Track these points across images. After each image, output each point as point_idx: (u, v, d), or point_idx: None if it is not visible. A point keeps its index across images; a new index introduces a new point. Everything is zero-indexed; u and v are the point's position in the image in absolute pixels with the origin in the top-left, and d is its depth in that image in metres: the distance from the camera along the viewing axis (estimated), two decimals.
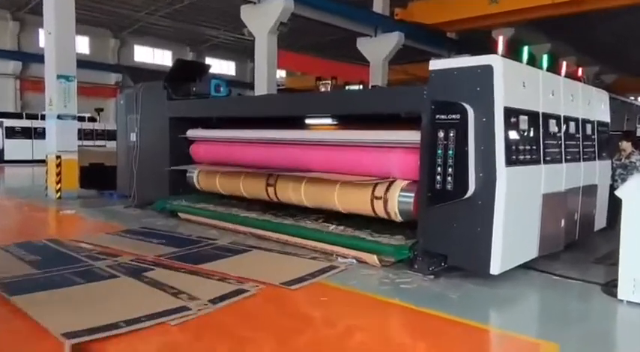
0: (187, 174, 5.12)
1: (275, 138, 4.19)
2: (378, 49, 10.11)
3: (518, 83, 2.77)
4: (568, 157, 3.21)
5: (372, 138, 3.43)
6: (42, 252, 3.20)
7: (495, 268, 2.64)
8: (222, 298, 2.40)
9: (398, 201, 3.16)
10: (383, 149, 3.39)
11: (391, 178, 3.29)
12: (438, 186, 2.74)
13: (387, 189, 3.23)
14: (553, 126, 3.02)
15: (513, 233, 2.70)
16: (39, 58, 6.89)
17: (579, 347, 2.01)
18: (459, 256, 2.78)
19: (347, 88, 4.32)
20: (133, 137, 5.42)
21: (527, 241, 2.86)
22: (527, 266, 2.95)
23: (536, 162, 2.87)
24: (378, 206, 3.26)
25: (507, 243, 2.64)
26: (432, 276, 2.84)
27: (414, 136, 3.07)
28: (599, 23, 11.23)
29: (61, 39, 6.06)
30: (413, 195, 3.09)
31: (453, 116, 2.70)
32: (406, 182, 3.20)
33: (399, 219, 3.21)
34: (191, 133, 5.04)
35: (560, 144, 3.12)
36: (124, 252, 3.09)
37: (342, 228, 3.45)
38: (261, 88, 7.54)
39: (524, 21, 10.00)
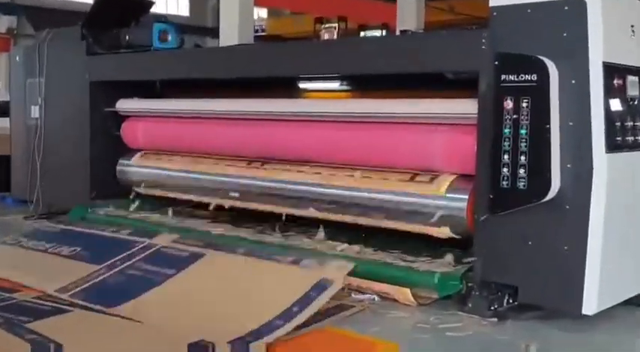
0: (119, 168, 4.92)
1: (250, 112, 4.01)
2: None
3: (626, 27, 2.68)
4: None
5: (402, 111, 3.29)
6: None
7: (590, 306, 2.56)
8: None
9: (443, 206, 3.07)
10: (418, 127, 3.27)
11: (432, 172, 3.19)
12: (505, 183, 2.67)
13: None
14: None
15: (618, 253, 2.64)
16: None
17: None
18: (535, 289, 2.71)
19: (363, 34, 4.12)
20: (35, 112, 5.33)
21: (638, 265, 2.81)
22: (633, 302, 2.86)
23: None
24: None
25: (608, 268, 2.57)
26: (494, 319, 2.76)
27: (466, 107, 2.96)
28: None
29: None
30: (465, 197, 2.99)
31: (527, 77, 2.62)
32: (453, 177, 3.08)
33: (444, 233, 3.10)
34: (123, 105, 4.78)
35: None
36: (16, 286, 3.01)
37: (357, 248, 3.31)
38: (229, 36, 7.29)
39: None
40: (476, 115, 2.86)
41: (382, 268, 3.14)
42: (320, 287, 2.69)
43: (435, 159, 3.21)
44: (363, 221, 3.45)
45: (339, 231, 3.61)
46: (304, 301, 2.60)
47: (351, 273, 2.88)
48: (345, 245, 3.44)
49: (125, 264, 3.27)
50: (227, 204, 4.08)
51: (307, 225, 3.90)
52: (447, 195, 3.10)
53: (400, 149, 3.34)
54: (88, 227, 4.03)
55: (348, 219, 3.52)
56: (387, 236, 3.48)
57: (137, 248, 3.42)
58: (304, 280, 2.74)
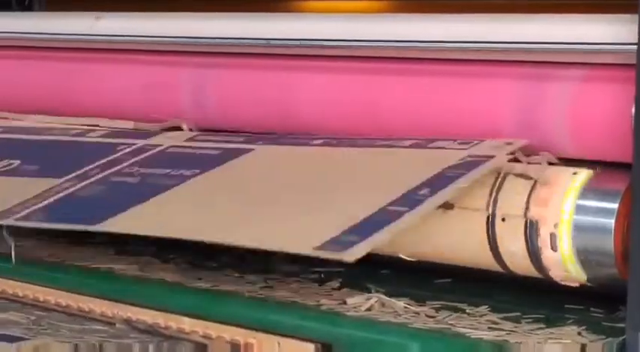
0: None
1: (196, 41, 1.97)
2: None
3: None
4: None
5: (483, 38, 1.61)
6: None
7: None
8: None
9: (571, 225, 1.41)
10: (511, 70, 1.64)
11: (540, 156, 1.50)
12: None
13: (532, 193, 1.41)
14: None
15: None
16: None
17: None
18: None
19: None
20: None
21: None
22: None
23: None
24: (507, 230, 1.44)
25: None
26: None
27: (615, 33, 1.54)
28: None
29: None
30: (614, 206, 1.41)
31: None
32: (587, 173, 1.45)
33: (573, 278, 1.46)
34: None
35: None
36: None
37: (402, 304, 1.51)
38: None
39: None
40: (635, 47, 1.48)
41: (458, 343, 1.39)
42: (467, 164, 1.53)
43: (549, 132, 1.57)
44: (414, 253, 1.59)
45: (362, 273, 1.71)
46: (438, 181, 1.49)
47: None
48: (372, 297, 1.54)
49: (107, 172, 2.00)
50: None
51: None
52: (579, 203, 1.43)
53: (476, 113, 1.66)
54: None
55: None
56: (451, 281, 1.72)
57: (124, 151, 2.11)
58: (437, 160, 1.60)
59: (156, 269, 1.86)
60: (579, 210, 1.46)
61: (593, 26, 1.58)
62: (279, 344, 1.42)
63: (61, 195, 1.94)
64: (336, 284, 1.66)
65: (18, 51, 2.39)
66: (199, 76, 2.05)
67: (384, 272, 1.78)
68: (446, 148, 1.64)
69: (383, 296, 1.61)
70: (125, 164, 2.01)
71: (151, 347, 1.50)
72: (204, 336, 1.48)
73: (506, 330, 1.47)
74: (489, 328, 1.47)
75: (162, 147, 2.02)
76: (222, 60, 2.02)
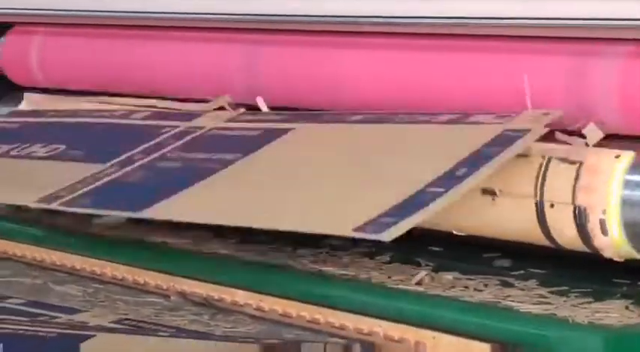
0: None
1: (241, 17, 1.97)
2: None
3: None
4: None
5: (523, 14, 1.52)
6: None
7: None
8: None
9: (619, 209, 1.39)
10: (553, 47, 1.60)
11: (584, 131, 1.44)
12: None
13: (577, 179, 1.39)
14: None
15: None
16: None
17: None
18: None
19: None
20: None
21: None
22: None
23: None
24: (557, 217, 1.44)
25: None
26: None
27: None
28: None
29: None
30: None
31: None
32: (630, 155, 1.40)
33: (618, 252, 1.43)
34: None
35: None
36: None
37: (450, 277, 1.56)
38: None
39: None
40: None
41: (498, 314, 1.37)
42: (504, 139, 1.50)
43: (595, 108, 1.51)
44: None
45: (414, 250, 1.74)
46: (475, 159, 1.47)
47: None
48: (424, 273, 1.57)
49: (151, 157, 2.03)
50: None
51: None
52: (627, 178, 1.40)
53: (519, 90, 1.54)
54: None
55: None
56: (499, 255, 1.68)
57: (167, 134, 2.12)
58: (474, 136, 1.57)
59: (209, 243, 1.87)
60: (627, 190, 1.46)
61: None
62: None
63: (106, 180, 1.96)
64: (386, 258, 1.67)
65: (70, 28, 2.41)
66: (250, 53, 2.06)
67: (433, 247, 1.77)
68: (482, 123, 1.63)
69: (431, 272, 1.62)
70: (169, 148, 2.04)
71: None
72: (258, 309, 1.51)
73: (554, 304, 1.47)
74: (538, 302, 1.47)
75: (203, 130, 2.05)
76: (272, 37, 2.02)
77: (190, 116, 2.16)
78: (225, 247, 1.80)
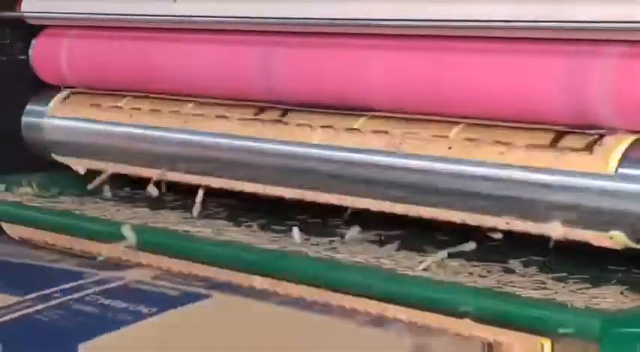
0: (25, 120, 2.52)
1: (261, 21, 2.02)
2: None
3: None
4: None
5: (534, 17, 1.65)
6: None
7: None
8: None
9: (613, 192, 1.57)
10: (563, 48, 1.68)
11: (590, 129, 1.54)
12: None
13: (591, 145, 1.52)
14: None
15: None
16: None
17: None
18: None
19: None
20: None
21: None
22: None
23: None
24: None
25: None
26: None
27: None
28: None
29: None
30: None
31: None
32: (632, 138, 1.55)
33: (616, 241, 1.57)
34: (33, 7, 2.50)
35: None
36: None
37: (456, 264, 1.69)
38: None
39: None
40: None
41: (503, 301, 1.45)
42: None
43: (598, 104, 1.65)
44: (465, 218, 1.68)
45: (414, 237, 1.87)
46: None
47: None
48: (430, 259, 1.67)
49: (69, 297, 1.89)
50: (217, 184, 2.13)
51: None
52: (621, 171, 1.62)
53: (530, 87, 1.59)
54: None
55: (439, 214, 1.70)
56: (506, 242, 1.85)
57: (89, 281, 1.98)
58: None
59: (228, 231, 1.98)
60: (623, 177, 1.55)
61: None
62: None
63: (14, 315, 1.88)
64: (394, 247, 1.80)
65: (98, 31, 2.52)
66: (267, 54, 2.14)
67: (439, 235, 1.89)
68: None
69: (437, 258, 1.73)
70: (87, 291, 1.83)
71: None
72: (274, 293, 1.60)
73: (553, 290, 1.56)
74: (539, 287, 1.56)
75: (122, 282, 2.01)
76: (289, 39, 2.11)
77: (105, 266, 2.15)
78: (243, 235, 1.95)
